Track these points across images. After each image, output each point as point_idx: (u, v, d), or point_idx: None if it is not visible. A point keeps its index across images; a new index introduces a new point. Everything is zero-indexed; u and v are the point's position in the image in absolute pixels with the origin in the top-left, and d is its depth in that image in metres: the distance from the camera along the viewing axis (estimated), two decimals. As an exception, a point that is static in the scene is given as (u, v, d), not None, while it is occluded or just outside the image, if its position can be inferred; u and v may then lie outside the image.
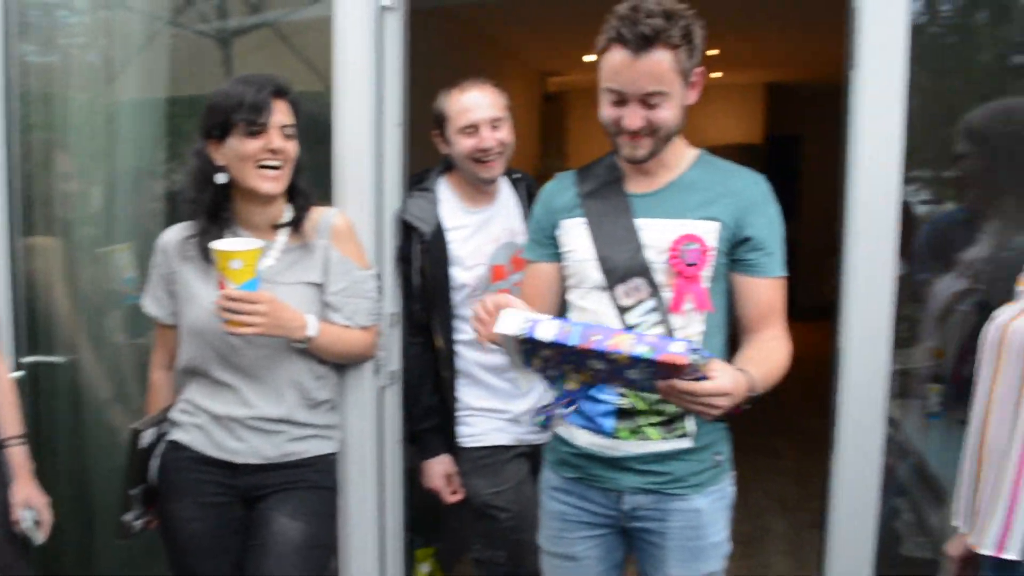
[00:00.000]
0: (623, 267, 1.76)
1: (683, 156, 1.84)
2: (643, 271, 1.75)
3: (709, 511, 1.83)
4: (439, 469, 2.34)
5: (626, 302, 1.76)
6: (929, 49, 2.29)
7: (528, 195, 2.45)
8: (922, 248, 2.44)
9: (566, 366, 1.54)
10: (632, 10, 1.65)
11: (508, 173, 2.45)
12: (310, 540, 2.05)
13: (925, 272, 2.42)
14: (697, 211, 1.76)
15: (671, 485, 1.81)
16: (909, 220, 2.38)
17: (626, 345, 1.41)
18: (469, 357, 2.32)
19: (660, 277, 1.75)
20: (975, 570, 1.76)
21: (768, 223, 1.78)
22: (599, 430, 1.79)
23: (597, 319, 1.77)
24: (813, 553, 2.28)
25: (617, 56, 1.67)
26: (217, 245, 1.87)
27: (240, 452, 2.03)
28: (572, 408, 1.65)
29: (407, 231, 2.28)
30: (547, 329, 1.47)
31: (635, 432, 1.77)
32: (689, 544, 1.82)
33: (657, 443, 1.78)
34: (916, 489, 2.46)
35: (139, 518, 2.12)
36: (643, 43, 1.63)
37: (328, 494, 2.15)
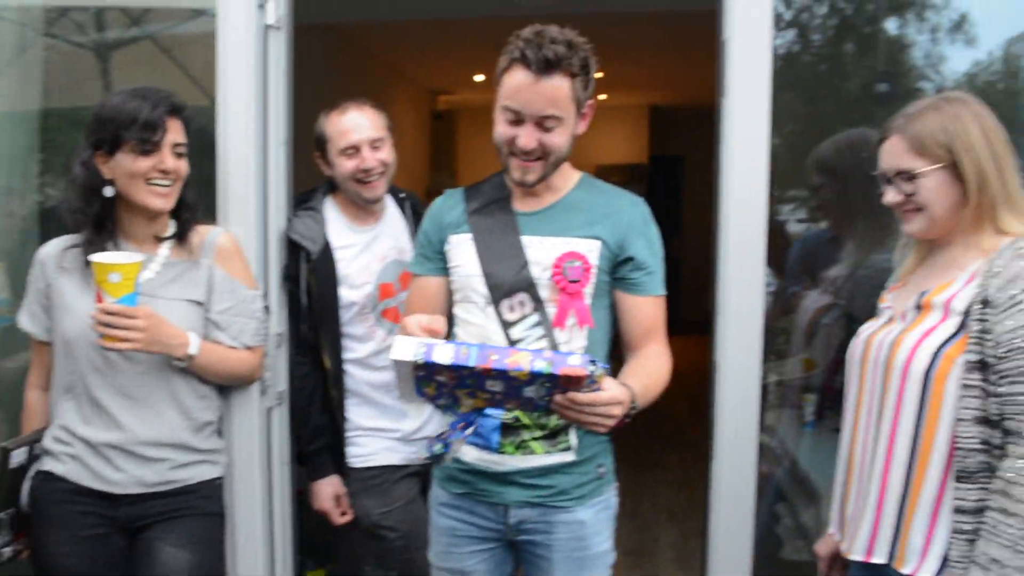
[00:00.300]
0: (508, 282, 1.79)
1: (568, 178, 1.89)
2: (528, 287, 1.79)
3: (593, 522, 1.88)
4: (328, 490, 2.32)
5: (510, 317, 1.79)
6: (801, 77, 2.44)
7: (414, 214, 2.47)
8: (793, 264, 2.59)
9: (460, 391, 1.54)
10: (536, 34, 1.69)
11: (394, 192, 2.47)
12: (198, 569, 1.98)
13: (796, 287, 2.57)
14: (580, 230, 1.82)
15: (556, 498, 1.84)
16: (783, 238, 2.53)
17: (525, 362, 1.43)
18: (358, 376, 2.31)
19: (544, 293, 1.79)
20: (843, 568, 1.88)
21: (648, 244, 1.85)
22: (485, 445, 1.82)
23: (482, 333, 1.80)
24: (699, 559, 2.37)
25: (519, 76, 1.70)
26: (96, 257, 1.81)
27: (120, 482, 1.94)
28: (470, 430, 1.64)
29: (294, 250, 2.27)
30: (444, 352, 1.47)
31: (520, 447, 1.81)
32: (575, 555, 1.86)
33: (541, 457, 1.81)
34: (793, 495, 2.59)
35: (8, 544, 1.99)
36: (545, 67, 1.68)
37: (216, 520, 2.08)
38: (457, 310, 1.86)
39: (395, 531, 2.31)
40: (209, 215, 2.18)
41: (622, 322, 1.86)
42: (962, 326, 1.52)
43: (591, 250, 1.80)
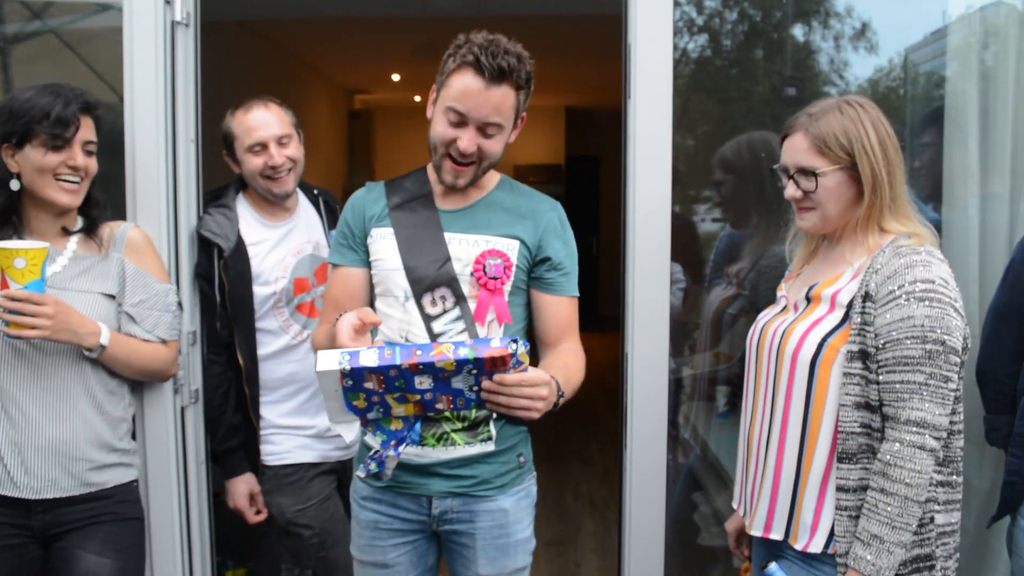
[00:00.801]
0: (430, 277, 1.81)
1: (490, 178, 1.93)
2: (449, 281, 1.82)
3: (515, 510, 1.92)
4: (243, 488, 2.31)
5: (432, 311, 1.82)
6: (712, 80, 2.53)
7: (328, 209, 2.48)
8: (719, 259, 2.68)
9: (390, 396, 1.55)
10: (490, 43, 1.73)
11: (307, 188, 2.47)
12: (122, 575, 1.95)
13: (721, 281, 2.66)
14: (501, 229, 1.86)
15: (478, 487, 1.87)
16: (692, 236, 2.62)
17: (449, 352, 1.47)
18: (273, 372, 2.31)
19: (466, 288, 1.83)
20: (748, 540, 1.97)
21: (564, 246, 1.91)
22: (407, 439, 1.79)
23: (403, 327, 1.82)
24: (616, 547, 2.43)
25: (469, 81, 1.72)
26: (0, 243, 1.77)
27: (33, 487, 1.88)
28: (403, 447, 1.65)
29: (206, 248, 2.25)
30: (369, 356, 1.48)
31: (441, 439, 1.83)
32: (497, 542, 1.90)
33: (463, 448, 1.84)
34: (708, 483, 2.68)
35: None
36: (497, 76, 1.71)
37: (136, 525, 2.03)
38: (378, 303, 1.88)
39: (310, 529, 2.31)
40: (117, 214, 2.14)
41: (538, 320, 1.91)
42: (845, 318, 1.62)
43: (511, 249, 1.85)
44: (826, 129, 1.64)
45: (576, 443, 5.64)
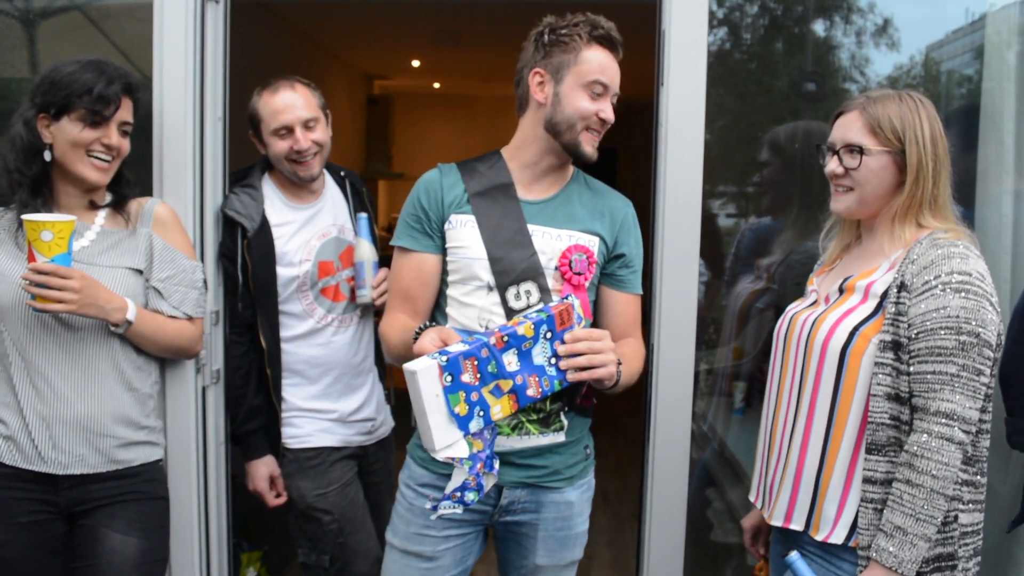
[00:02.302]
0: (517, 270, 1.80)
1: (566, 169, 1.93)
2: (536, 275, 1.81)
3: (579, 503, 1.93)
4: (263, 471, 2.30)
5: (516, 304, 1.80)
6: (732, 74, 2.50)
7: (354, 192, 2.46)
8: (744, 252, 2.65)
9: (486, 389, 1.55)
10: (600, 18, 1.82)
11: (334, 170, 2.45)
12: (148, 555, 1.94)
13: (742, 275, 2.63)
14: (583, 224, 1.86)
15: (549, 478, 1.87)
16: (713, 230, 2.59)
17: (523, 318, 1.58)
18: (296, 355, 2.29)
19: (549, 282, 1.82)
20: (766, 540, 1.95)
21: (636, 243, 1.92)
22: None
23: (484, 316, 1.80)
24: (632, 541, 2.41)
25: (602, 55, 1.81)
26: (28, 216, 1.77)
27: (61, 463, 1.88)
28: (497, 462, 1.67)
29: (230, 227, 2.23)
30: (457, 346, 1.53)
31: (516, 428, 1.82)
32: (559, 534, 1.91)
33: (537, 437, 1.83)
34: (723, 480, 2.66)
35: None
36: (618, 48, 1.83)
37: (161, 504, 2.04)
38: (453, 291, 1.85)
39: (329, 514, 2.30)
40: (144, 192, 2.13)
41: (604, 317, 1.91)
42: (879, 308, 1.61)
43: (593, 244, 1.85)
44: (882, 111, 1.64)
45: (594, 437, 5.63)
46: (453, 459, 1.57)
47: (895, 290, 1.58)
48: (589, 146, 1.83)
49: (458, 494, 1.62)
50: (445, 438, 1.52)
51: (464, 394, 1.53)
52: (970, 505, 1.59)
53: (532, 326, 1.57)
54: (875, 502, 1.58)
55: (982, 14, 2.32)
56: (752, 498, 1.87)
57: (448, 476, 1.83)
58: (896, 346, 1.56)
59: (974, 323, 1.50)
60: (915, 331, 1.54)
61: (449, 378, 1.50)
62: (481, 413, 1.56)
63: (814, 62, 2.49)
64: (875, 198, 1.66)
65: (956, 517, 1.57)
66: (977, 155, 2.27)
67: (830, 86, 2.46)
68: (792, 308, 1.82)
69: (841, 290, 1.70)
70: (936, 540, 1.55)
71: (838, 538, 1.63)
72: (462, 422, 1.54)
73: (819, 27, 2.50)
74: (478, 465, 1.62)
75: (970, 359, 1.51)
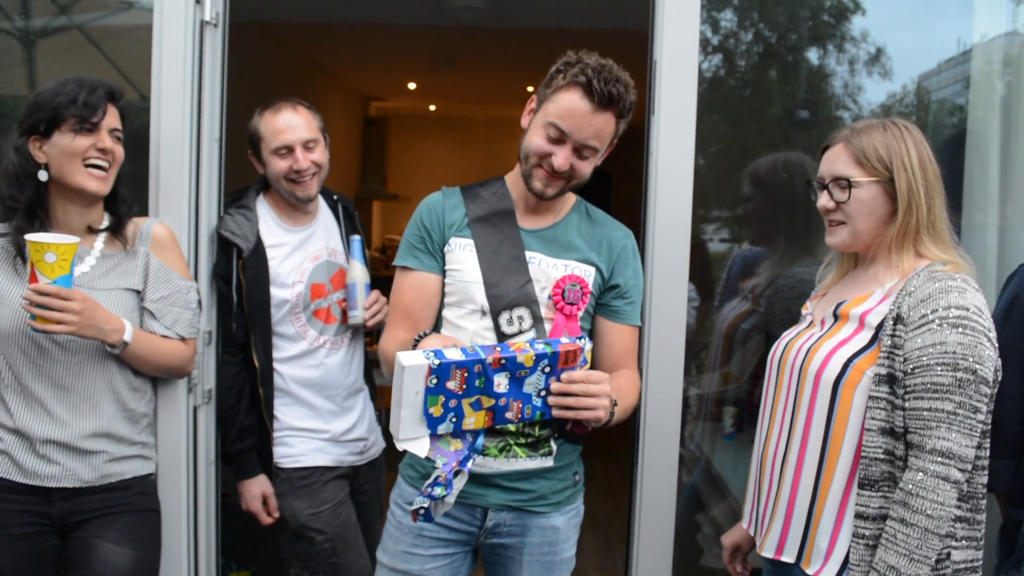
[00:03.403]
0: (510, 296, 1.80)
1: (568, 197, 1.93)
2: (529, 303, 1.81)
3: (565, 528, 1.92)
4: (256, 490, 2.30)
5: (508, 329, 1.80)
6: (726, 100, 2.52)
7: (346, 215, 2.48)
8: (734, 280, 2.67)
9: (467, 400, 1.56)
10: (603, 67, 1.72)
11: (326, 194, 2.47)
12: (140, 565, 1.95)
13: (729, 301, 2.65)
14: (579, 254, 1.86)
15: (535, 503, 1.87)
16: (704, 256, 2.61)
17: (527, 347, 1.54)
18: (288, 376, 2.30)
19: (543, 310, 1.82)
20: (743, 557, 1.94)
21: (634, 275, 1.92)
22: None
23: (476, 341, 1.80)
24: (623, 565, 2.40)
25: (576, 101, 1.72)
26: (32, 237, 1.78)
27: (54, 476, 1.89)
28: (470, 463, 1.64)
29: (225, 248, 2.25)
30: (454, 352, 1.53)
31: (503, 450, 1.82)
32: (544, 559, 1.90)
33: (524, 461, 1.83)
34: (712, 505, 2.66)
35: None
36: (606, 102, 1.71)
37: (153, 517, 2.05)
38: (448, 313, 1.86)
39: (323, 533, 2.31)
40: (140, 212, 2.14)
41: (599, 347, 1.90)
42: (874, 340, 1.59)
43: (588, 275, 1.85)
44: (867, 141, 1.63)
45: (585, 460, 5.60)
46: (431, 458, 1.59)
47: (891, 322, 1.56)
48: (539, 182, 1.80)
49: (428, 489, 1.62)
50: (410, 431, 1.54)
51: (444, 398, 1.54)
52: (963, 542, 1.56)
53: (533, 357, 1.56)
54: (867, 538, 1.55)
55: (972, 45, 2.35)
56: (745, 525, 1.86)
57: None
58: (891, 380, 1.54)
59: (971, 359, 1.48)
60: (911, 366, 1.51)
61: (435, 380, 1.51)
62: (454, 420, 1.57)
63: (807, 89, 2.51)
64: (868, 229, 1.65)
65: (949, 554, 1.54)
66: (963, 184, 2.30)
67: (823, 113, 2.47)
68: (786, 335, 1.81)
69: (836, 316, 1.69)
70: None
71: (830, 573, 1.60)
72: (432, 423, 1.56)
73: (812, 55, 2.53)
74: (453, 463, 1.62)
75: (967, 396, 1.48)
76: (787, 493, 1.68)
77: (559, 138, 1.75)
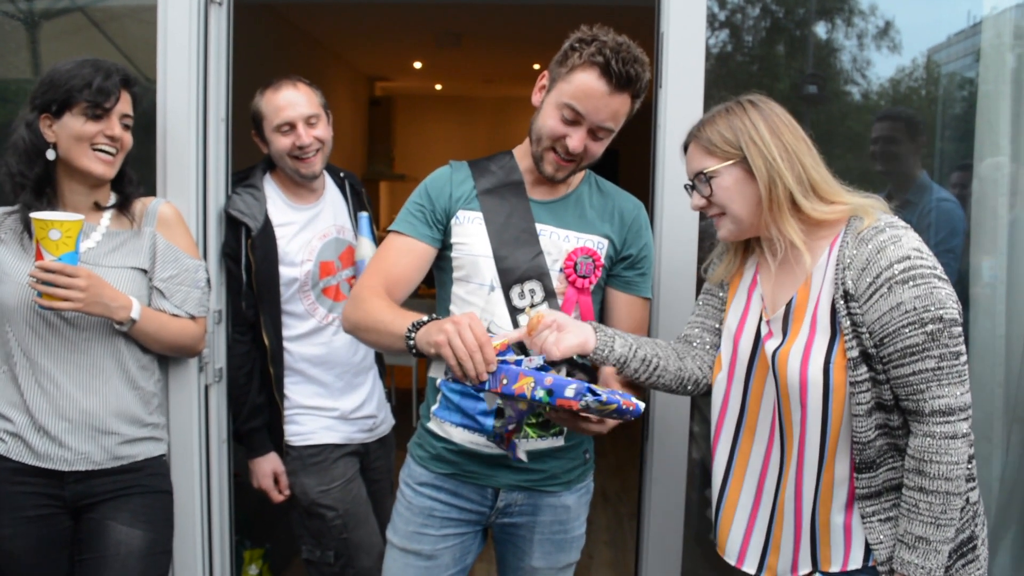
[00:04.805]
0: (521, 269, 1.77)
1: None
2: (540, 275, 1.78)
3: (576, 507, 1.92)
4: (267, 468, 2.32)
5: (520, 303, 1.78)
6: (733, 76, 2.50)
7: (354, 192, 2.48)
8: None
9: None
10: (620, 46, 1.67)
11: (333, 171, 2.47)
12: (154, 546, 1.97)
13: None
14: (592, 226, 1.83)
15: (546, 482, 1.87)
16: (710, 235, 2.60)
17: (528, 389, 1.45)
18: (298, 354, 2.31)
19: (554, 283, 1.79)
20: None
21: (646, 246, 1.89)
22: (478, 428, 1.75)
23: (486, 316, 1.78)
24: (632, 540, 2.41)
25: (593, 81, 1.67)
26: (37, 215, 1.79)
27: (66, 459, 1.90)
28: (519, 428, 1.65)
29: (234, 227, 2.25)
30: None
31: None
32: (555, 537, 1.90)
33: (535, 441, 1.82)
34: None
35: None
36: (623, 83, 1.67)
37: (165, 498, 2.06)
38: (457, 289, 1.83)
39: (333, 510, 2.32)
40: (147, 192, 2.14)
41: (610, 320, 1.88)
42: (835, 333, 1.53)
43: (600, 247, 1.83)
44: (711, 130, 1.60)
45: (594, 437, 5.63)
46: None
47: (841, 301, 1.50)
48: (550, 166, 1.77)
49: (479, 419, 1.60)
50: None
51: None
52: (972, 481, 1.55)
53: (528, 403, 1.50)
54: (877, 513, 1.53)
55: (982, 17, 2.32)
56: (734, 562, 1.72)
57: (448, 476, 1.86)
58: (867, 358, 1.49)
59: (933, 308, 1.43)
60: (878, 337, 1.47)
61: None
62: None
63: (815, 64, 2.48)
64: (748, 212, 1.59)
65: (968, 499, 1.52)
66: (974, 158, 2.28)
67: (831, 89, 2.44)
68: (738, 316, 1.70)
69: (786, 319, 1.60)
70: (956, 530, 1.49)
71: (856, 562, 1.56)
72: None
73: (820, 29, 2.50)
74: (511, 425, 1.63)
75: (944, 347, 1.43)
76: (792, 513, 1.62)
77: (574, 120, 1.71)
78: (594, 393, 1.43)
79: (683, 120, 2.12)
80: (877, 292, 1.46)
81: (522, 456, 1.71)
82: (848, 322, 1.50)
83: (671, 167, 2.15)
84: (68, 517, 1.95)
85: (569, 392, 1.43)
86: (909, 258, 1.45)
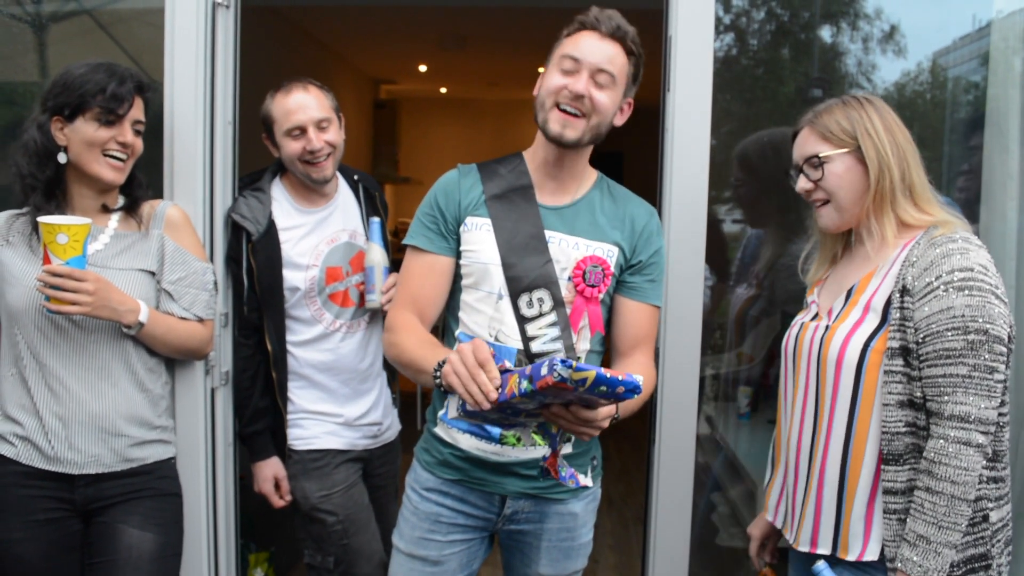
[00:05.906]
0: (530, 277, 1.76)
1: (588, 175, 1.89)
2: (549, 284, 1.76)
3: (583, 514, 1.91)
4: (268, 472, 2.31)
5: (528, 312, 1.76)
6: (738, 79, 2.50)
7: (367, 195, 2.46)
8: (749, 259, 2.65)
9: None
10: (602, 11, 1.76)
11: (347, 173, 2.45)
12: (165, 549, 1.97)
13: (744, 282, 2.63)
14: (602, 233, 1.82)
15: (553, 490, 1.85)
16: (718, 235, 2.60)
17: (515, 386, 1.42)
18: (303, 359, 2.30)
19: (563, 292, 1.77)
20: (772, 546, 1.94)
21: (657, 253, 1.87)
22: (485, 436, 1.74)
23: (494, 325, 1.77)
24: (637, 545, 2.41)
25: (584, 34, 1.75)
26: (44, 219, 1.79)
27: (76, 462, 1.90)
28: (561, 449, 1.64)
29: (236, 231, 2.25)
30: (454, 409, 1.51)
31: (521, 438, 1.78)
32: (562, 545, 1.89)
33: (543, 448, 1.78)
34: (728, 484, 2.66)
35: None
36: (613, 31, 1.74)
37: (175, 500, 2.06)
38: (466, 297, 1.82)
39: (334, 515, 2.31)
40: (155, 195, 2.15)
41: (616, 326, 1.86)
42: (884, 320, 1.59)
43: (610, 255, 1.81)
44: (828, 118, 1.67)
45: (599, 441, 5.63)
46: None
47: (898, 295, 1.56)
48: (556, 124, 1.75)
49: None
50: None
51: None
52: (998, 501, 1.56)
53: (520, 398, 1.42)
54: (899, 512, 1.55)
55: (988, 21, 2.32)
56: (770, 518, 1.84)
57: (455, 482, 1.85)
58: (905, 352, 1.54)
59: (981, 320, 1.48)
60: (922, 335, 1.52)
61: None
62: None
63: (821, 68, 2.48)
64: (852, 201, 1.66)
65: (986, 516, 1.54)
66: (982, 162, 2.27)
67: (836, 92, 2.43)
68: (795, 324, 1.80)
69: (845, 302, 1.67)
70: (967, 542, 1.52)
71: (873, 554, 1.59)
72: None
73: (826, 33, 2.50)
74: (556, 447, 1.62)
75: (981, 358, 1.47)
76: (815, 486, 1.66)
77: (574, 68, 1.74)
78: (564, 363, 1.34)
79: (691, 124, 2.13)
80: (932, 292, 1.52)
81: (586, 482, 1.69)
82: (899, 315, 1.56)
83: (679, 170, 2.14)
84: (78, 521, 1.94)
85: (544, 370, 1.37)
86: (972, 270, 1.51)
